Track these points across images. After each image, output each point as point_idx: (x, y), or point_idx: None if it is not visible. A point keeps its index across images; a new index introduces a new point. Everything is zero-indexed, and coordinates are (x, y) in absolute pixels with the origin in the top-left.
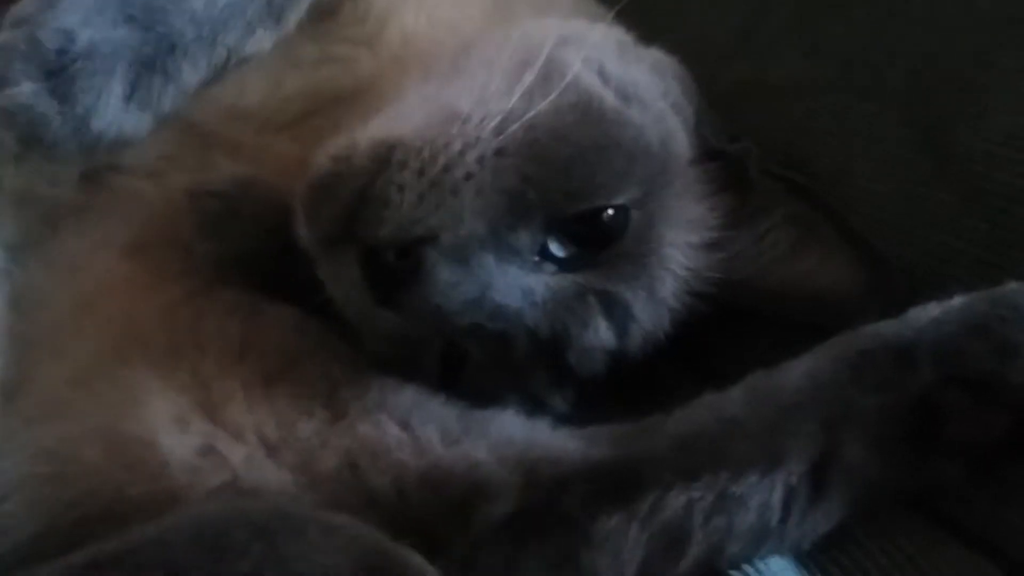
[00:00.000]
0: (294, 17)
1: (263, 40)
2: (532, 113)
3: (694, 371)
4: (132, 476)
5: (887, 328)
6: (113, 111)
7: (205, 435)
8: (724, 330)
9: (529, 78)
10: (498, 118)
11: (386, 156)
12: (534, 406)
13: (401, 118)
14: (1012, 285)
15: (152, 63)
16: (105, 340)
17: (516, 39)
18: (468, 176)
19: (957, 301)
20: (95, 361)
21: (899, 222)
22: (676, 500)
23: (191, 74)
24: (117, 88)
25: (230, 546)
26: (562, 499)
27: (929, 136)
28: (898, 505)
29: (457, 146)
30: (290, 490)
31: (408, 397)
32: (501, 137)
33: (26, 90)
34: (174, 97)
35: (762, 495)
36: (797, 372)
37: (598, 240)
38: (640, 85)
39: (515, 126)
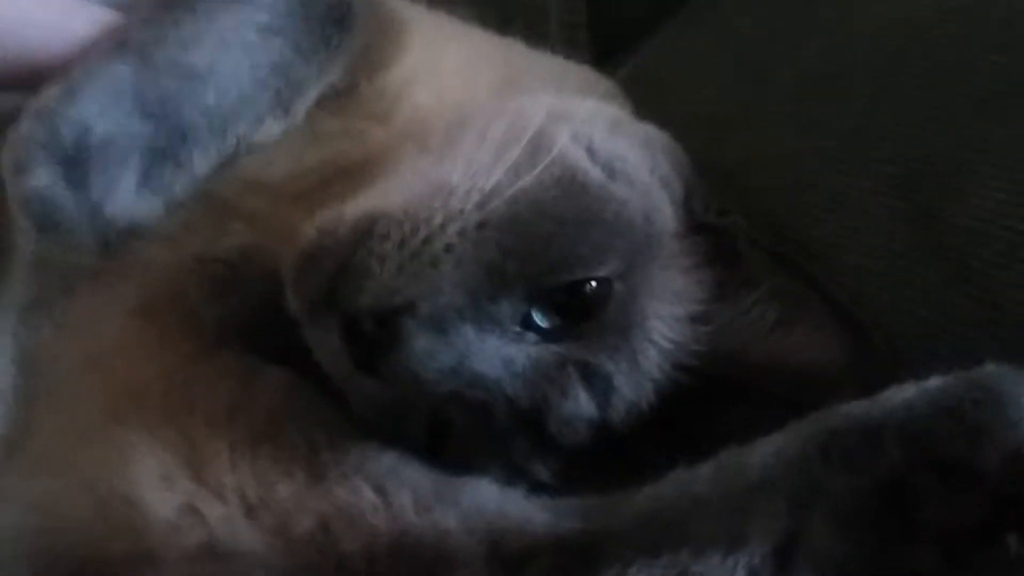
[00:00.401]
0: (303, 108)
1: (272, 129)
2: (516, 187)
3: (678, 444)
4: (115, 532)
5: (858, 408)
6: (126, 198)
7: (187, 494)
8: (709, 403)
9: (516, 152)
10: (482, 192)
11: (368, 228)
12: (518, 475)
13: (388, 191)
14: (989, 367)
15: (164, 153)
16: (104, 398)
17: (509, 113)
18: (448, 248)
19: (933, 382)
20: (92, 418)
21: (887, 297)
22: None
23: (202, 162)
24: (130, 177)
25: None
26: (525, 572)
27: (919, 213)
28: None
29: (439, 219)
30: (264, 552)
31: (386, 462)
32: (484, 211)
33: (43, 177)
34: (185, 184)
35: (724, 575)
36: (765, 450)
37: (580, 311)
38: (627, 160)
39: (498, 200)
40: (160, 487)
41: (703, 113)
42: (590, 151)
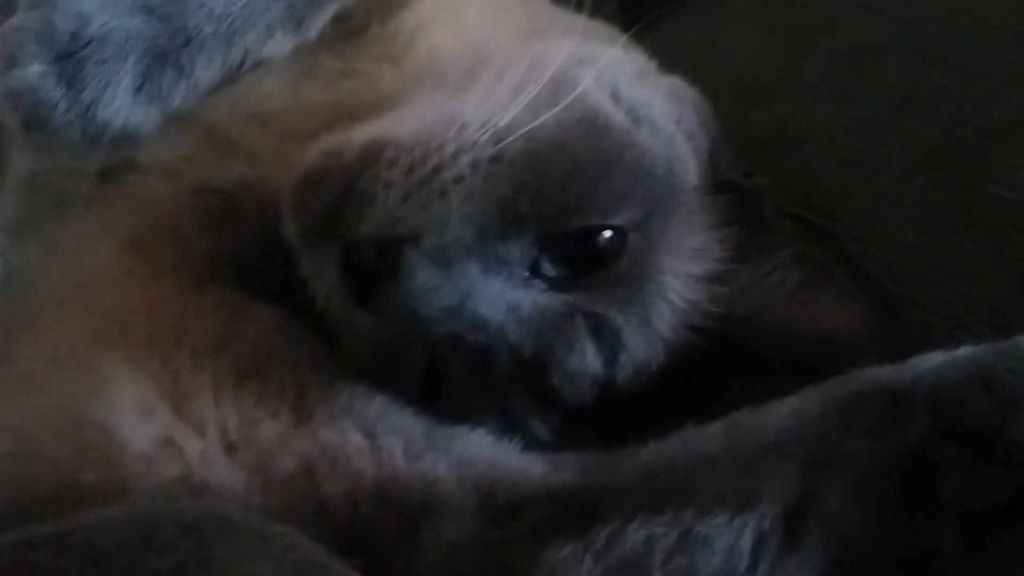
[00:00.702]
0: (316, 24)
1: (282, 44)
2: (535, 124)
3: (687, 409)
4: (87, 461)
5: (884, 372)
6: (121, 101)
7: (166, 426)
8: (722, 368)
9: (536, 89)
10: (498, 126)
11: (376, 154)
12: (515, 431)
13: (400, 120)
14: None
15: (165, 56)
16: (88, 325)
17: (531, 53)
18: (459, 179)
19: (964, 350)
20: (73, 344)
21: (921, 271)
22: (636, 534)
23: (204, 71)
24: (127, 78)
25: (158, 541)
26: (513, 523)
27: (959, 186)
28: (889, 570)
29: (450, 149)
30: (242, 490)
31: (376, 406)
32: (499, 145)
33: (34, 72)
34: (185, 93)
35: (730, 538)
36: (782, 411)
37: (592, 261)
38: (653, 108)
39: (515, 135)
40: (138, 417)
41: (736, 83)
42: (615, 95)
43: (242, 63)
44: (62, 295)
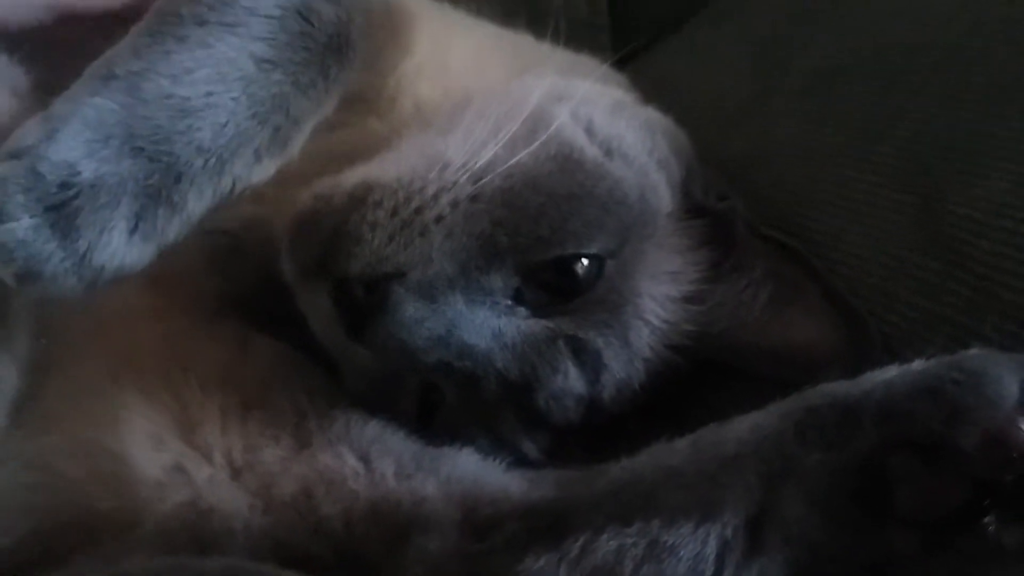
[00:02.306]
0: (299, 142)
1: (268, 167)
2: (512, 162)
3: (669, 425)
4: (104, 490)
5: (838, 387)
6: (116, 244)
7: (176, 454)
8: (701, 386)
9: (514, 128)
10: (478, 165)
11: (363, 196)
12: (507, 451)
13: (387, 164)
14: (973, 350)
15: (158, 195)
16: (105, 362)
17: (510, 93)
18: (439, 219)
19: (916, 364)
20: (92, 381)
21: (885, 287)
22: (606, 545)
23: (196, 204)
24: (121, 222)
25: None
26: (494, 536)
27: (922, 204)
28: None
29: (432, 190)
30: (246, 512)
31: (371, 430)
32: (478, 184)
33: (25, 225)
34: (179, 227)
35: (695, 546)
36: (743, 425)
37: (571, 287)
38: (626, 140)
39: (493, 174)
40: (150, 446)
41: (715, 106)
42: (589, 130)
43: (231, 190)
44: (84, 334)
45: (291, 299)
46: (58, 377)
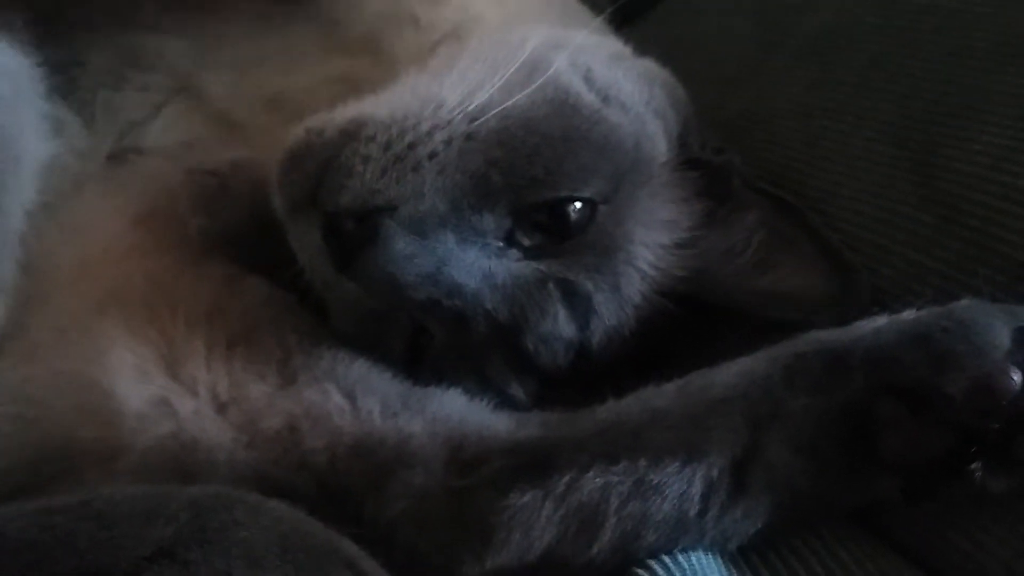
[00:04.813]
0: None
1: None
2: (508, 103)
3: (660, 371)
4: (85, 420)
5: (827, 334)
6: None
7: (161, 387)
8: (692, 330)
9: (510, 71)
10: (473, 106)
11: (356, 131)
12: (494, 394)
13: (381, 101)
14: (964, 301)
15: None
16: (91, 297)
17: (508, 38)
18: (432, 155)
19: (906, 314)
20: (78, 314)
21: (878, 240)
22: (592, 483)
23: None
24: None
25: (163, 512)
26: (479, 472)
27: (918, 160)
28: (840, 517)
29: (426, 126)
30: (230, 445)
31: (357, 369)
32: (473, 123)
33: None
34: None
35: (680, 485)
36: (731, 370)
37: (563, 231)
38: (623, 89)
39: (489, 114)
40: (135, 379)
41: (715, 67)
42: (587, 77)
43: None
44: (71, 270)
45: (279, 238)
46: (42, 311)
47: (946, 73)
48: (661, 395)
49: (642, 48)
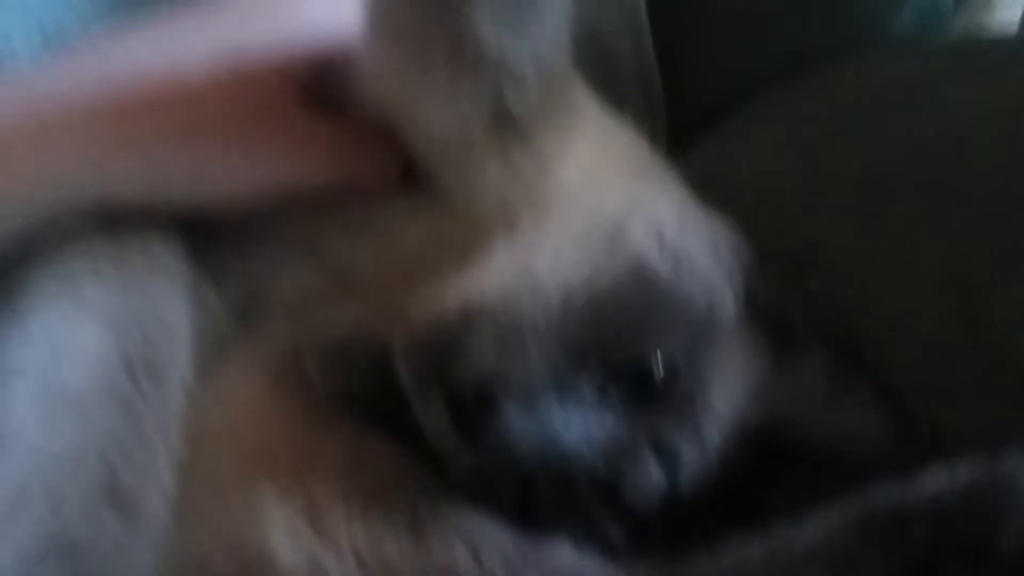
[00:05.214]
0: None
1: None
2: (595, 279)
3: (738, 506)
4: None
5: (893, 490)
6: None
7: (310, 545)
8: (766, 471)
9: (595, 244)
10: (566, 282)
11: (469, 315)
12: (593, 536)
13: (484, 280)
14: (1013, 456)
15: None
16: (241, 456)
17: (591, 206)
18: (536, 334)
19: (961, 467)
20: (229, 473)
21: (932, 384)
22: None
23: None
24: None
25: None
26: None
27: (964, 307)
28: None
29: (529, 308)
30: None
31: (477, 523)
32: (567, 299)
33: None
34: None
35: None
36: (811, 525)
37: (650, 390)
38: (693, 254)
39: (580, 290)
40: (287, 538)
41: (770, 201)
42: (660, 244)
43: None
44: (220, 433)
45: (400, 400)
46: (198, 472)
47: (987, 216)
48: (751, 551)
49: (696, 174)
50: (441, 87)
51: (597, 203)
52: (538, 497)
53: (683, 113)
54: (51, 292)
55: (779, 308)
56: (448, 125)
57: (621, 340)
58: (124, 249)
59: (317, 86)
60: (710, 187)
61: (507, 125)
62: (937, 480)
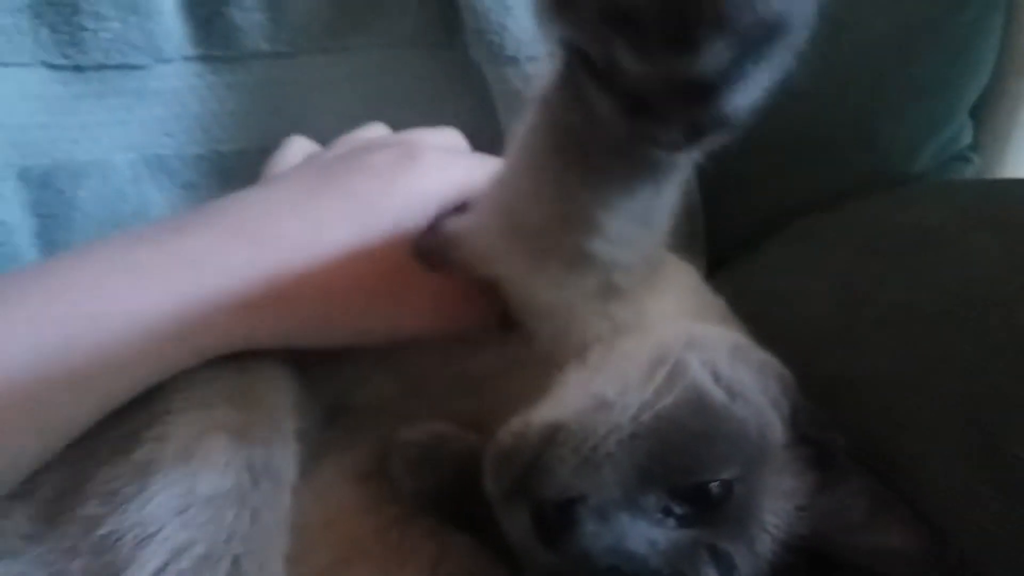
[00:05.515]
0: None
1: None
2: (659, 406)
3: None
4: None
5: None
6: None
7: None
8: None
9: (660, 376)
10: (634, 408)
11: (551, 436)
12: None
13: (562, 403)
14: None
15: None
16: (337, 550)
17: (654, 340)
18: (609, 454)
19: None
20: (330, 566)
21: (952, 514)
22: None
23: None
24: None
25: None
26: None
27: (984, 443)
28: None
29: (603, 431)
30: None
31: None
32: (636, 424)
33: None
34: None
35: None
36: None
37: (708, 505)
38: (745, 384)
39: (646, 416)
40: None
41: (803, 329)
42: (715, 375)
43: None
44: (318, 528)
45: (482, 505)
46: (301, 566)
47: (1008, 371)
48: None
49: (734, 297)
50: (552, 277)
51: (660, 338)
52: None
53: (720, 240)
54: (189, 412)
55: (822, 437)
56: (555, 304)
57: (683, 460)
58: (246, 371)
59: (426, 242)
60: (745, 309)
61: (611, 295)
62: None
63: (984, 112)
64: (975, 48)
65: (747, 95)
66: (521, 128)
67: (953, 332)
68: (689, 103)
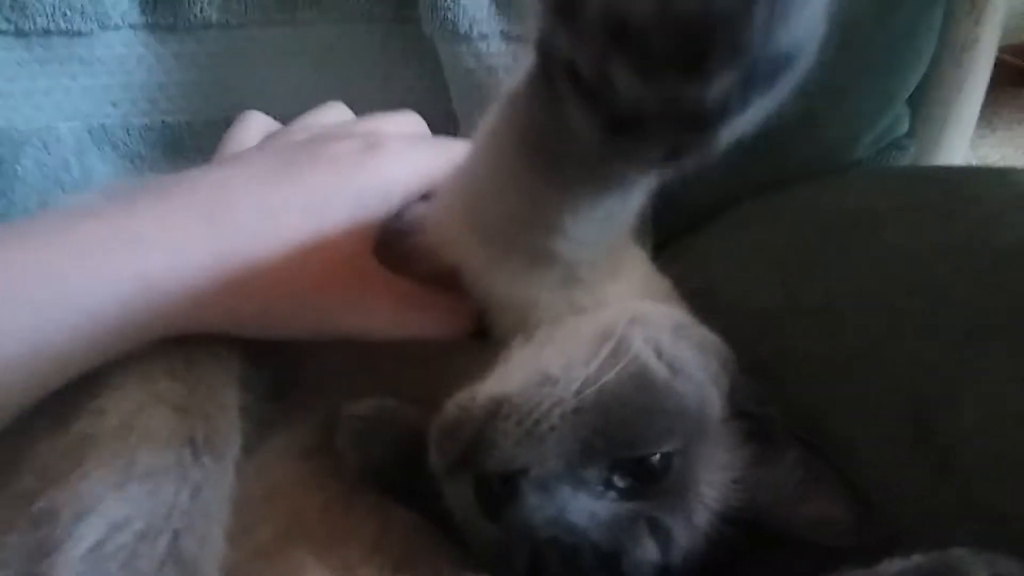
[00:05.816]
0: None
1: None
2: (603, 381)
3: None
4: None
5: (859, 574)
6: None
7: None
8: (748, 546)
9: (604, 352)
10: (578, 383)
11: (496, 409)
12: None
13: (507, 378)
14: (957, 550)
15: None
16: (280, 523)
17: (600, 318)
18: (552, 428)
19: (914, 559)
20: (272, 541)
21: (883, 483)
22: None
23: None
24: None
25: None
26: None
27: (916, 416)
28: None
29: (546, 405)
30: None
31: None
32: (579, 398)
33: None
34: None
35: None
36: None
37: (648, 478)
38: (686, 360)
39: (590, 390)
40: None
41: (746, 308)
42: (658, 352)
43: None
44: (260, 501)
45: (425, 478)
46: (244, 538)
47: (941, 351)
48: None
49: (675, 277)
50: (514, 272)
51: (604, 316)
52: (549, 567)
53: (663, 223)
54: (129, 386)
55: (759, 412)
56: (518, 297)
57: (625, 434)
58: (194, 351)
59: (389, 231)
60: (688, 289)
61: (573, 285)
62: (895, 566)
63: (920, 101)
64: (916, 37)
65: (743, 124)
66: (488, 121)
67: (888, 314)
68: (683, 129)
